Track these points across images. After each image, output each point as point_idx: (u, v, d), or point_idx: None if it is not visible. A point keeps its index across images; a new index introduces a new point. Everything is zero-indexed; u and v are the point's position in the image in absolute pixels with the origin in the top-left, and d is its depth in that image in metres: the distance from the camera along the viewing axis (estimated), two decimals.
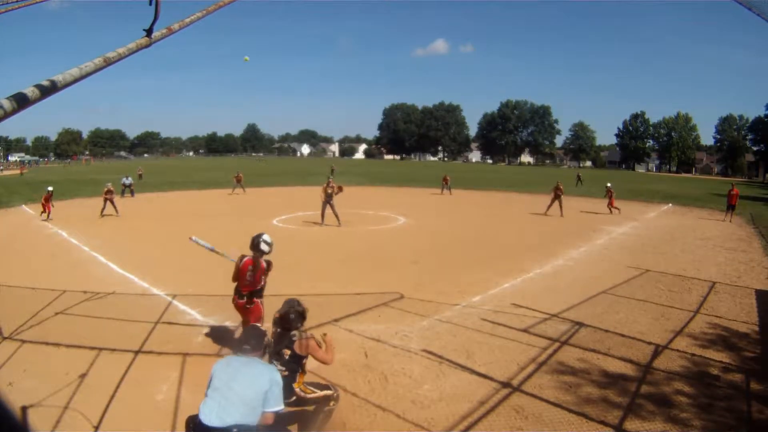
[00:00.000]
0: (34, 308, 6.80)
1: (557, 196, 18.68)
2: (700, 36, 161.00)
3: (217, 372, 3.14)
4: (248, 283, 5.25)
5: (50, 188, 16.52)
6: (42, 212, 15.91)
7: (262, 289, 5.35)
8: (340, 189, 14.89)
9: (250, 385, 3.05)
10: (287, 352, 3.73)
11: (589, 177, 42.41)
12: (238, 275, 5.27)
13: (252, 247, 5.32)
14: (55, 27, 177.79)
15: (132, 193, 24.19)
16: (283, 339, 3.76)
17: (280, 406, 3.13)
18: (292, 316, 3.75)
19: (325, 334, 3.91)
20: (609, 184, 20.75)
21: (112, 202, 17.20)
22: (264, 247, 5.22)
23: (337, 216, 14.51)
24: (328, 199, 14.72)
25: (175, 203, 22.19)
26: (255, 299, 5.29)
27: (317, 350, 3.75)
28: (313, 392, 3.79)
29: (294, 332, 3.75)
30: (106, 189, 17.16)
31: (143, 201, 22.55)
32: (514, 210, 21.40)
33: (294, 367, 3.73)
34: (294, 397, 3.68)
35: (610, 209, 19.51)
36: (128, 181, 24.36)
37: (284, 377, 3.37)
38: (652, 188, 36.40)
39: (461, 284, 8.55)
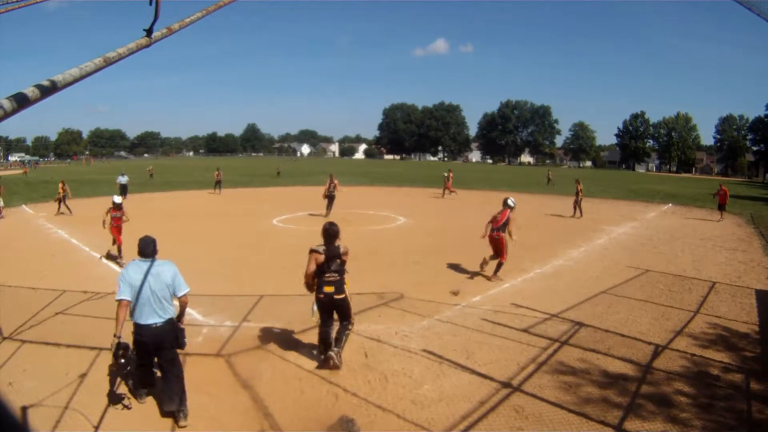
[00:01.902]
0: (34, 308, 6.80)
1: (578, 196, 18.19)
2: (700, 36, 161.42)
3: (132, 280, 4.05)
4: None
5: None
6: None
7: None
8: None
9: (167, 277, 4.14)
10: (338, 261, 5.06)
11: (589, 177, 42.37)
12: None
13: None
14: (55, 27, 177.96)
15: (125, 193, 22.44)
16: (334, 250, 5.07)
17: (187, 289, 4.24)
18: (335, 228, 5.13)
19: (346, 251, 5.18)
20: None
21: (63, 201, 17.37)
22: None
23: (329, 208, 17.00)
24: (329, 195, 16.95)
25: (175, 203, 22.18)
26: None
27: (348, 252, 5.20)
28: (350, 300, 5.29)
29: (339, 243, 5.10)
30: (61, 186, 17.35)
31: (143, 201, 22.53)
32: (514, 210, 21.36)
33: (342, 270, 5.13)
34: (344, 294, 5.13)
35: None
36: (124, 179, 23.06)
37: (338, 280, 5.07)
38: (652, 188, 36.39)
39: (461, 284, 8.55)
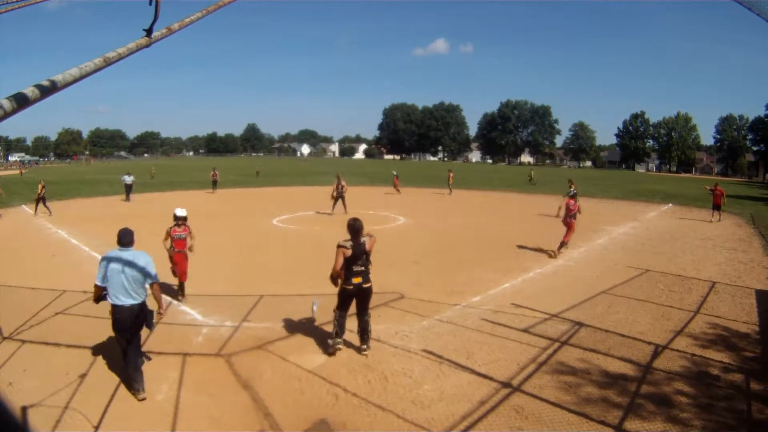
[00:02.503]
0: (34, 308, 6.80)
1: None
2: (700, 36, 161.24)
3: (113, 266, 4.54)
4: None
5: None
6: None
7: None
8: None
9: (140, 265, 4.58)
10: (364, 256, 5.42)
11: (589, 177, 42.37)
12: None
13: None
14: (55, 27, 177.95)
15: (129, 193, 22.77)
16: (361, 246, 5.41)
17: (155, 279, 4.69)
18: (359, 223, 5.43)
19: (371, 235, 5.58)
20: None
21: (42, 201, 17.44)
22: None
23: (336, 207, 17.70)
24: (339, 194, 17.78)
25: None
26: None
27: (373, 245, 5.56)
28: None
29: (363, 238, 5.45)
30: (41, 186, 17.46)
31: (144, 201, 22.53)
32: (514, 210, 21.40)
33: (367, 263, 5.49)
34: (370, 284, 5.53)
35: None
36: (129, 179, 22.80)
37: (364, 271, 5.45)
38: (652, 188, 36.40)
39: (461, 284, 8.55)
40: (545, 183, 36.78)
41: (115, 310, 4.57)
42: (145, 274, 4.61)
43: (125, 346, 4.63)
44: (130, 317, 4.56)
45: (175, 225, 7.30)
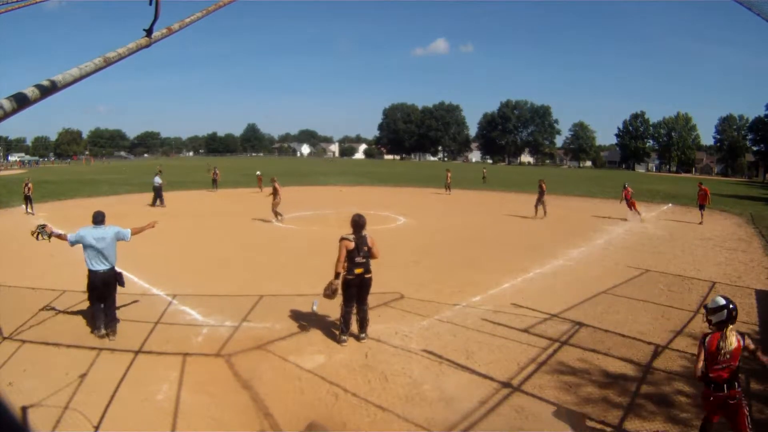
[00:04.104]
0: (34, 308, 6.80)
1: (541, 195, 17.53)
2: (700, 36, 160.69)
3: (88, 240, 5.79)
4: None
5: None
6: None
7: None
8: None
9: (108, 239, 5.87)
10: (365, 248, 5.79)
11: (587, 177, 42.35)
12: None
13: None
14: (55, 27, 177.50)
15: (161, 198, 20.11)
16: (363, 240, 5.80)
17: (128, 237, 6.04)
18: (363, 220, 5.87)
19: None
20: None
21: (29, 201, 17.67)
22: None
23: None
24: None
25: (176, 203, 22.15)
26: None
27: (375, 243, 5.94)
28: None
29: (365, 232, 5.84)
30: (26, 186, 17.66)
31: (145, 201, 22.52)
32: (514, 210, 21.39)
33: (368, 256, 5.85)
34: (371, 274, 5.90)
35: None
36: (159, 181, 20.32)
37: (365, 262, 5.82)
38: (652, 188, 36.36)
39: (461, 284, 8.55)
40: (496, 181, 37.57)
41: (90, 274, 5.85)
42: (119, 238, 5.99)
43: (95, 303, 5.88)
44: (100, 279, 5.82)
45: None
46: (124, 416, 4.24)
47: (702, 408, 3.91)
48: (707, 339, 3.61)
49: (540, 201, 17.87)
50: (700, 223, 16.93)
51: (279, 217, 15.76)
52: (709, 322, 3.75)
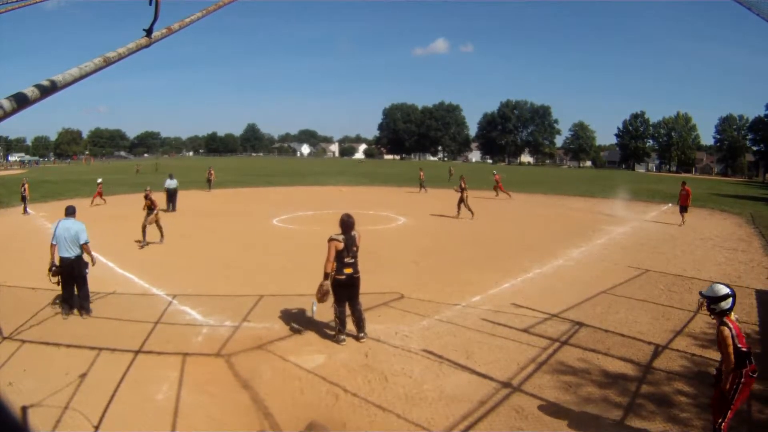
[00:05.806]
0: (34, 308, 6.80)
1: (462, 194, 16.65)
2: (700, 36, 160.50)
3: (59, 229, 6.65)
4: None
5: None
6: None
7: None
8: None
9: (72, 232, 6.65)
10: (354, 249, 5.87)
11: (589, 177, 42.30)
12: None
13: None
14: (55, 27, 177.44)
15: (173, 202, 18.59)
16: (352, 239, 5.84)
17: (87, 240, 6.74)
18: (352, 219, 5.92)
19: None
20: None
21: (24, 201, 18.06)
22: None
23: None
24: None
25: (177, 203, 22.12)
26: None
27: (360, 240, 6.00)
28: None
29: (354, 232, 5.89)
30: (22, 185, 18.19)
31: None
32: (513, 209, 21.39)
33: (356, 255, 5.91)
34: (359, 274, 5.96)
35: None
36: (173, 184, 18.73)
37: (354, 263, 5.88)
38: (652, 188, 36.34)
39: (461, 284, 8.55)
40: (486, 182, 37.38)
41: (60, 260, 6.63)
42: (78, 236, 6.65)
43: (66, 287, 6.65)
44: (67, 265, 6.61)
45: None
46: (124, 416, 4.24)
47: (740, 395, 3.67)
48: (729, 323, 3.60)
49: (462, 200, 16.72)
50: (681, 225, 16.12)
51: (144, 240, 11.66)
52: (712, 311, 3.73)
